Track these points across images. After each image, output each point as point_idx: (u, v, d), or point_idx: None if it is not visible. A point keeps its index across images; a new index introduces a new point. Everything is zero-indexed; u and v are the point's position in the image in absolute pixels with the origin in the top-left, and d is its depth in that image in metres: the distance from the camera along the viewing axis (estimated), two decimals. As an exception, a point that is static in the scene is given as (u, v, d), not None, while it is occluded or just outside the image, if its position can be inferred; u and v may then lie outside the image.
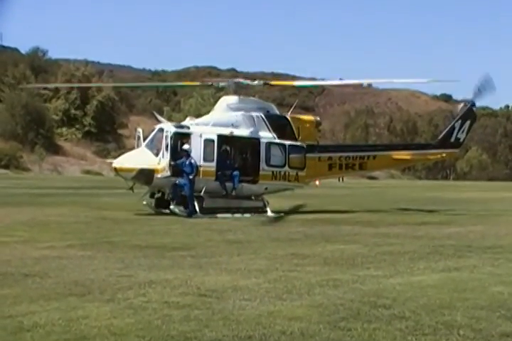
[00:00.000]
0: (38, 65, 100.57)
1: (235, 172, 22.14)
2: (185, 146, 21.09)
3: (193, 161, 20.86)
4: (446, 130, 28.44)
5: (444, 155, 28.46)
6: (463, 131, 27.92)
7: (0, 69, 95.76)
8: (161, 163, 21.01)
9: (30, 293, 8.19)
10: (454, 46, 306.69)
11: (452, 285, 9.24)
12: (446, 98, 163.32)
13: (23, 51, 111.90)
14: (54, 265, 10.48)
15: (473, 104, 28.42)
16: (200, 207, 21.07)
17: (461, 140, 28.17)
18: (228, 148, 22.52)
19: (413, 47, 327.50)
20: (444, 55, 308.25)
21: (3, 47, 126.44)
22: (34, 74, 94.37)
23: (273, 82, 27.06)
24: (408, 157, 27.13)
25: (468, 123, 28.05)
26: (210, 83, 26.95)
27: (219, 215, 21.06)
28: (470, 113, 28.46)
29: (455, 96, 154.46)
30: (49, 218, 19.07)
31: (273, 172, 23.12)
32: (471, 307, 7.79)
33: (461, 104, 29.40)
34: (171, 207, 21.20)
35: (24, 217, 19.23)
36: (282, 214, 22.24)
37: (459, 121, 27.99)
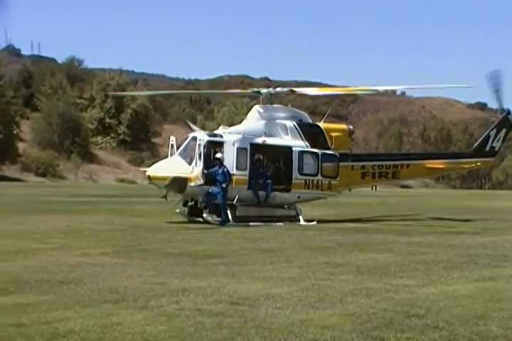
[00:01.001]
0: (74, 74, 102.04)
1: (268, 181, 22.15)
2: (218, 155, 21.20)
3: (225, 170, 20.94)
4: (481, 138, 28.14)
5: (478, 164, 28.10)
6: (498, 140, 27.59)
7: (38, 78, 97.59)
8: (194, 171, 21.14)
9: (66, 300, 8.31)
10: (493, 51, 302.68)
11: (487, 295, 9.13)
12: (482, 106, 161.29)
13: (59, 61, 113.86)
14: (89, 272, 10.61)
15: (509, 113, 28.09)
16: (233, 216, 21.17)
17: (497, 148, 27.83)
18: (261, 157, 22.56)
19: (449, 55, 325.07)
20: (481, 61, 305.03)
21: (41, 57, 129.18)
22: (70, 83, 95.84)
23: (297, 90, 26.18)
24: (442, 166, 26.85)
25: (503, 131, 27.70)
26: (251, 91, 26.34)
27: (252, 224, 21.09)
28: (505, 121, 28.13)
29: (490, 104, 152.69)
30: (84, 225, 19.31)
31: (306, 180, 23.08)
32: (506, 317, 7.68)
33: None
34: (204, 215, 21.28)
35: (60, 224, 19.49)
36: (315, 222, 22.18)
37: (494, 130, 27.68)
